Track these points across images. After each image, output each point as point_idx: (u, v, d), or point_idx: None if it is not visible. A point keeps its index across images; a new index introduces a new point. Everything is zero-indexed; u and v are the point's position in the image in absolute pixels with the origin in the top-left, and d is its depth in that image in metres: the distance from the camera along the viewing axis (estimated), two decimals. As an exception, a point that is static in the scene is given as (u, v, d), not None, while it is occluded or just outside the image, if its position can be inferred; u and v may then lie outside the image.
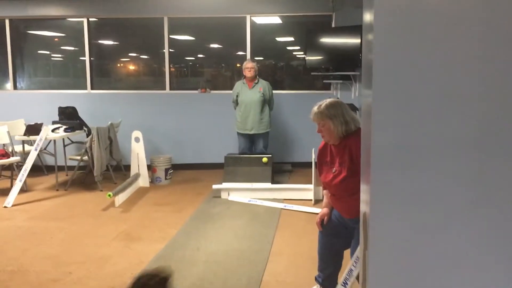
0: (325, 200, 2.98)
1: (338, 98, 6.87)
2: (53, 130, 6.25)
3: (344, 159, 2.62)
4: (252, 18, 7.12)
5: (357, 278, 2.72)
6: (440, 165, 1.17)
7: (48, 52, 8.01)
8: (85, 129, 6.63)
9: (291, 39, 7.82)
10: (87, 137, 6.26)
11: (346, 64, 6.50)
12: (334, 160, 2.70)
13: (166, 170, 6.53)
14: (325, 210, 2.94)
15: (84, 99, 7.32)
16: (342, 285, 2.54)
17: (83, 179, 6.63)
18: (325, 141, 2.74)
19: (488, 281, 1.19)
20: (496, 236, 1.17)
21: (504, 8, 1.09)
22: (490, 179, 1.15)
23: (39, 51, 7.93)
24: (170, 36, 7.25)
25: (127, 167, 6.64)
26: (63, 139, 6.76)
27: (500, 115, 1.13)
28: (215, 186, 5.76)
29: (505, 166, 1.14)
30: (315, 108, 2.68)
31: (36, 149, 5.85)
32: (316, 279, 3.14)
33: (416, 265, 1.21)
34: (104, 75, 7.95)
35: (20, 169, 5.83)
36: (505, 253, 1.17)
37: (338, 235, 2.86)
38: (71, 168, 6.87)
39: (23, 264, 3.78)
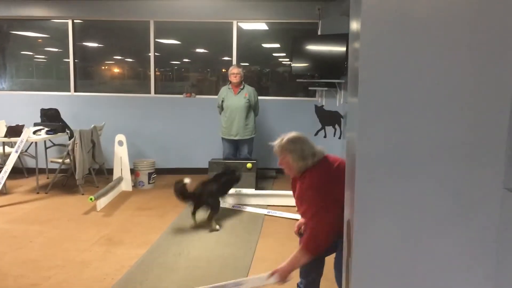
0: None
1: (323, 105, 6.92)
2: (34, 132, 6.16)
3: (299, 192, 2.70)
4: (239, 23, 7.13)
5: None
6: (424, 173, 1.18)
7: (31, 53, 7.91)
8: (68, 131, 6.55)
9: (277, 45, 7.86)
10: (70, 139, 6.18)
11: (331, 71, 6.56)
12: (298, 191, 2.76)
13: (150, 175, 6.48)
14: (303, 219, 2.97)
15: (67, 101, 7.24)
16: None
17: (64, 182, 6.54)
18: (286, 173, 2.80)
19: (472, 286, 1.20)
20: (480, 243, 1.18)
21: (490, 18, 1.11)
22: (474, 187, 1.17)
23: (22, 52, 7.82)
24: (156, 40, 7.22)
25: (110, 171, 6.57)
26: (45, 142, 6.67)
27: (486, 124, 1.15)
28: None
29: (489, 176, 1.16)
30: (278, 141, 2.74)
31: (16, 151, 5.76)
32: (298, 286, 3.14)
33: (399, 272, 1.22)
34: (88, 77, 7.88)
35: (0, 171, 5.73)
36: (489, 260, 1.18)
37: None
38: (52, 171, 6.77)
39: (1, 268, 3.70)
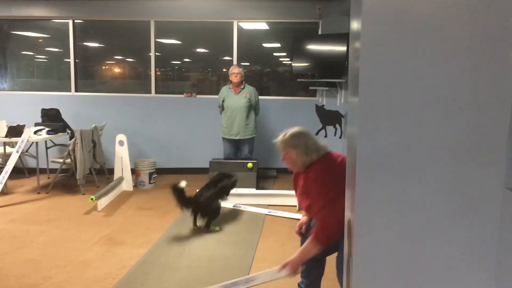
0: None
1: (323, 105, 6.92)
2: (35, 132, 6.16)
3: (304, 187, 2.69)
4: (239, 23, 7.13)
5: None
6: (425, 173, 1.18)
7: (32, 53, 7.91)
8: (68, 131, 6.55)
9: (278, 45, 7.86)
10: (70, 139, 6.19)
11: (332, 71, 6.56)
12: (302, 186, 2.75)
13: (150, 174, 6.48)
14: (304, 219, 3.00)
15: (68, 101, 7.24)
16: None
17: (65, 182, 6.54)
18: (289, 169, 2.80)
19: (470, 286, 1.20)
20: (481, 242, 1.18)
21: (491, 18, 1.11)
22: (475, 186, 1.17)
23: (23, 52, 7.83)
24: (157, 40, 7.22)
25: (111, 171, 6.57)
26: (46, 142, 6.67)
27: (486, 123, 1.15)
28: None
29: (488, 173, 1.16)
30: (280, 137, 2.74)
31: (17, 151, 5.76)
32: (299, 285, 3.15)
33: (400, 272, 1.22)
34: (89, 77, 7.88)
35: (1, 171, 5.74)
36: (490, 260, 1.18)
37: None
38: (53, 171, 6.77)
39: (3, 268, 3.71)
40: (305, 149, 2.63)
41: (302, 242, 3.01)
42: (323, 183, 2.57)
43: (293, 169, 2.76)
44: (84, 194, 6.00)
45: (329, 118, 7.04)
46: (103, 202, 5.48)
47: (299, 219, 3.61)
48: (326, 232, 2.51)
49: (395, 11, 1.15)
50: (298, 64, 6.82)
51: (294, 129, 2.73)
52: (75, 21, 7.24)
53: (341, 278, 2.68)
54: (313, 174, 2.62)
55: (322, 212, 2.54)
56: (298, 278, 3.23)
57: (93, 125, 6.43)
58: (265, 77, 7.96)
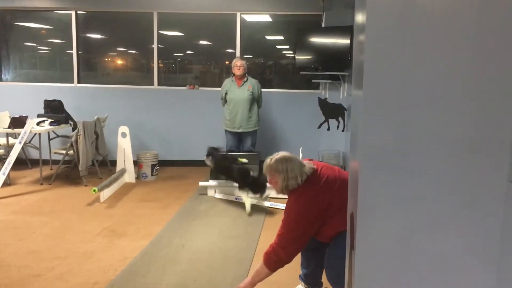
0: None
1: (326, 98, 6.90)
2: (38, 123, 6.17)
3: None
4: (242, 15, 7.10)
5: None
6: (428, 167, 1.17)
7: (34, 44, 7.90)
8: (71, 123, 6.55)
9: (281, 38, 7.82)
10: (73, 131, 6.20)
11: (335, 64, 6.53)
12: None
13: (153, 166, 6.49)
14: None
15: (70, 92, 7.24)
16: None
17: (68, 173, 6.56)
18: (276, 192, 2.93)
19: (475, 283, 1.19)
20: (484, 238, 1.18)
21: (498, 11, 1.10)
22: (478, 182, 1.16)
23: (25, 43, 7.81)
24: (159, 32, 7.20)
25: (113, 163, 6.59)
26: (48, 133, 6.68)
27: (490, 118, 1.14)
28: (201, 183, 5.74)
29: (492, 169, 1.15)
30: (267, 161, 2.84)
31: (20, 142, 5.77)
32: (300, 277, 3.16)
33: (403, 266, 1.22)
34: (92, 69, 7.87)
35: (4, 162, 5.75)
36: (492, 256, 1.17)
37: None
38: (55, 162, 6.79)
39: (5, 259, 3.73)
40: (288, 175, 2.71)
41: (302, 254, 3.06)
42: (298, 216, 2.69)
43: (279, 193, 2.87)
44: (86, 185, 6.02)
45: (332, 111, 7.02)
46: (105, 194, 5.49)
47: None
48: (274, 259, 2.71)
49: (400, 3, 1.13)
50: (301, 57, 6.79)
51: (279, 155, 2.83)
52: (78, 12, 7.22)
53: (331, 275, 2.72)
54: (292, 201, 2.76)
55: (279, 239, 2.73)
56: (299, 271, 3.24)
57: (96, 117, 6.43)
58: (268, 69, 7.93)
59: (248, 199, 4.94)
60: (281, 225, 2.77)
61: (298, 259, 3.54)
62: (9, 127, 6.13)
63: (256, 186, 4.42)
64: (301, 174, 2.71)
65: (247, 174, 4.62)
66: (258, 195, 4.61)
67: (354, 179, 1.28)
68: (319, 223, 2.66)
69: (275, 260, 2.69)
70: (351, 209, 1.39)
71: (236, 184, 5.05)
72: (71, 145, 6.07)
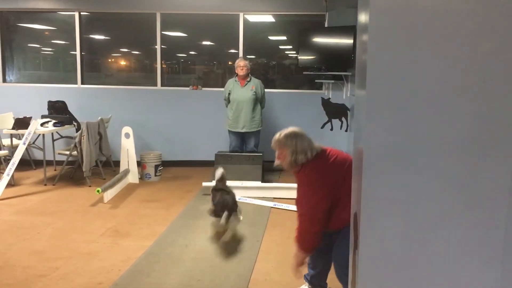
0: None
1: (329, 98, 6.90)
2: (42, 124, 6.19)
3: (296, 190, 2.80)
4: (245, 16, 7.10)
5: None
6: (432, 166, 1.17)
7: (38, 45, 7.93)
8: (75, 123, 6.57)
9: (284, 38, 7.82)
10: (77, 132, 6.21)
11: (338, 64, 6.53)
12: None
13: (156, 167, 6.50)
14: None
15: (74, 93, 7.26)
16: None
17: (71, 174, 6.57)
18: (285, 169, 2.87)
19: (479, 281, 1.19)
20: (487, 237, 1.17)
21: (500, 9, 1.10)
22: (482, 180, 1.16)
23: (29, 44, 7.84)
24: (162, 32, 7.21)
25: (117, 163, 6.60)
26: (52, 134, 6.70)
27: (493, 116, 1.14)
28: (205, 184, 5.74)
29: (497, 167, 1.15)
30: (276, 136, 2.81)
31: (24, 143, 5.79)
32: (305, 277, 3.15)
33: (406, 266, 1.22)
34: (95, 70, 7.89)
35: (8, 163, 5.77)
36: (496, 254, 1.17)
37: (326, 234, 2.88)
38: (59, 163, 6.81)
39: (9, 259, 3.74)
40: (296, 149, 2.69)
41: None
42: (307, 188, 2.67)
43: (287, 169, 2.82)
44: (90, 186, 6.03)
45: (335, 111, 7.01)
46: (109, 194, 5.51)
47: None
48: (303, 241, 2.69)
49: (403, 3, 1.13)
50: (304, 57, 6.79)
51: (289, 129, 2.80)
52: (81, 13, 7.24)
53: (340, 272, 2.73)
54: (300, 176, 2.72)
55: (302, 219, 2.69)
56: (303, 271, 3.24)
57: (99, 118, 6.44)
58: (271, 70, 7.94)
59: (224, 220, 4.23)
60: (298, 206, 2.75)
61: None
62: (13, 128, 6.15)
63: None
64: (310, 150, 2.69)
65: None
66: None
67: (358, 178, 1.28)
68: (331, 196, 2.62)
69: (304, 242, 2.69)
70: (354, 208, 1.39)
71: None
72: (75, 145, 6.09)
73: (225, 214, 4.15)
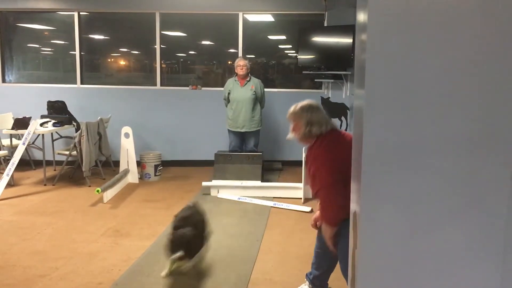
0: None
1: (329, 97, 6.89)
2: (41, 124, 6.18)
3: (308, 165, 2.72)
4: (245, 15, 7.10)
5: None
6: (431, 166, 1.17)
7: (37, 46, 7.92)
8: (74, 123, 6.57)
9: (283, 37, 7.82)
10: (76, 132, 6.21)
11: (337, 63, 6.53)
12: (308, 165, 2.77)
13: (156, 167, 6.50)
14: (318, 213, 2.93)
15: (73, 93, 7.26)
16: None
17: (71, 174, 6.57)
18: (298, 142, 2.83)
19: (478, 281, 1.19)
20: (487, 237, 1.17)
21: (500, 8, 1.10)
22: (482, 180, 1.16)
23: (28, 44, 7.84)
24: (162, 32, 7.21)
25: (116, 163, 6.60)
26: (52, 134, 6.70)
27: (493, 116, 1.14)
28: (204, 183, 5.74)
29: (497, 167, 1.15)
30: (291, 109, 2.79)
31: (24, 143, 5.79)
32: (307, 276, 3.13)
33: (406, 265, 1.22)
34: (94, 69, 7.89)
35: (7, 163, 5.77)
36: (496, 254, 1.17)
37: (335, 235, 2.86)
38: (59, 163, 6.81)
39: (10, 259, 3.74)
40: (313, 120, 2.66)
41: (319, 236, 3.00)
42: (325, 160, 2.59)
43: (300, 142, 2.78)
44: (90, 186, 6.03)
45: (335, 110, 7.00)
46: (109, 194, 5.51)
47: (304, 212, 3.60)
48: (329, 213, 2.59)
49: (402, 2, 1.13)
50: (304, 56, 6.79)
51: (305, 102, 2.77)
52: (80, 13, 7.24)
53: (346, 270, 2.69)
54: (315, 148, 2.65)
55: (322, 193, 2.60)
56: (303, 271, 3.24)
57: (99, 118, 6.44)
58: (271, 69, 7.93)
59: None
60: (313, 182, 2.64)
61: (308, 258, 3.55)
62: (12, 128, 6.15)
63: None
64: (326, 123, 2.67)
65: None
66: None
67: (357, 177, 1.28)
68: (345, 170, 2.54)
69: (329, 214, 2.60)
70: (354, 208, 1.39)
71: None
72: (75, 145, 6.09)
73: (176, 255, 3.26)
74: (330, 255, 2.88)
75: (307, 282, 3.15)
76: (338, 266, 2.91)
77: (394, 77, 1.16)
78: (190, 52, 7.98)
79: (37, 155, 6.98)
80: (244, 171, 5.96)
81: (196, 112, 7.26)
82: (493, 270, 1.18)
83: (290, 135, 2.79)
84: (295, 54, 7.32)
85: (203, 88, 7.33)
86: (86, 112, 6.97)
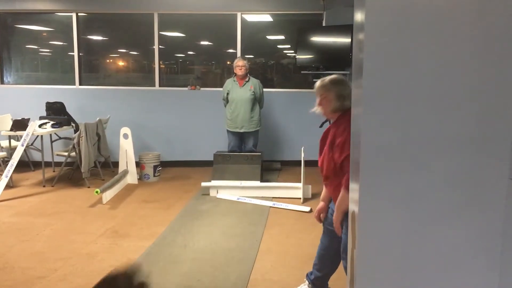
0: (322, 193, 2.95)
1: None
2: (40, 126, 6.18)
3: (332, 138, 2.68)
4: (243, 15, 7.10)
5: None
6: (430, 165, 1.17)
7: (36, 47, 7.91)
8: (73, 125, 6.57)
9: (282, 37, 7.82)
10: (75, 133, 6.20)
11: (336, 63, 6.52)
12: (330, 140, 2.71)
13: (155, 167, 6.50)
14: (322, 204, 2.89)
15: (72, 94, 7.26)
16: None
17: (70, 175, 6.57)
18: (323, 114, 2.81)
19: (477, 280, 1.19)
20: (486, 235, 1.18)
21: (496, 7, 1.10)
22: (480, 179, 1.16)
23: (27, 46, 7.83)
24: (160, 33, 7.21)
25: (115, 164, 6.60)
26: (50, 135, 6.70)
27: (491, 115, 1.14)
28: (204, 184, 5.74)
29: (495, 167, 1.15)
30: (319, 82, 2.77)
31: (22, 145, 5.78)
32: (307, 276, 3.12)
33: (404, 265, 1.22)
34: (93, 70, 7.88)
35: (6, 165, 5.76)
36: (494, 253, 1.17)
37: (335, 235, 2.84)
38: (58, 164, 6.80)
39: (9, 261, 3.74)
40: (340, 94, 2.66)
41: (322, 235, 2.98)
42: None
43: (326, 115, 2.79)
44: (89, 187, 6.03)
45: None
46: (108, 195, 5.50)
47: (303, 212, 3.57)
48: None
49: (399, 1, 1.13)
50: (303, 56, 6.79)
51: (334, 76, 2.78)
52: (79, 14, 7.24)
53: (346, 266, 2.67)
54: (346, 122, 2.57)
55: (348, 160, 2.52)
56: (302, 270, 3.24)
57: (98, 118, 6.44)
58: (269, 69, 7.93)
59: None
60: (340, 151, 2.53)
61: (307, 258, 3.55)
62: (11, 130, 6.14)
63: None
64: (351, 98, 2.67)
65: None
66: None
67: (356, 177, 1.28)
68: None
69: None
70: (352, 207, 1.39)
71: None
72: (73, 147, 6.08)
73: None
74: (334, 257, 2.87)
75: (306, 282, 3.14)
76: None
77: (391, 77, 1.16)
78: (189, 53, 7.98)
79: (36, 156, 6.98)
80: (243, 171, 5.96)
81: (195, 112, 7.26)
82: (491, 269, 1.18)
83: (316, 108, 2.78)
84: (293, 54, 7.32)
85: (202, 89, 7.33)
86: (85, 113, 6.96)
